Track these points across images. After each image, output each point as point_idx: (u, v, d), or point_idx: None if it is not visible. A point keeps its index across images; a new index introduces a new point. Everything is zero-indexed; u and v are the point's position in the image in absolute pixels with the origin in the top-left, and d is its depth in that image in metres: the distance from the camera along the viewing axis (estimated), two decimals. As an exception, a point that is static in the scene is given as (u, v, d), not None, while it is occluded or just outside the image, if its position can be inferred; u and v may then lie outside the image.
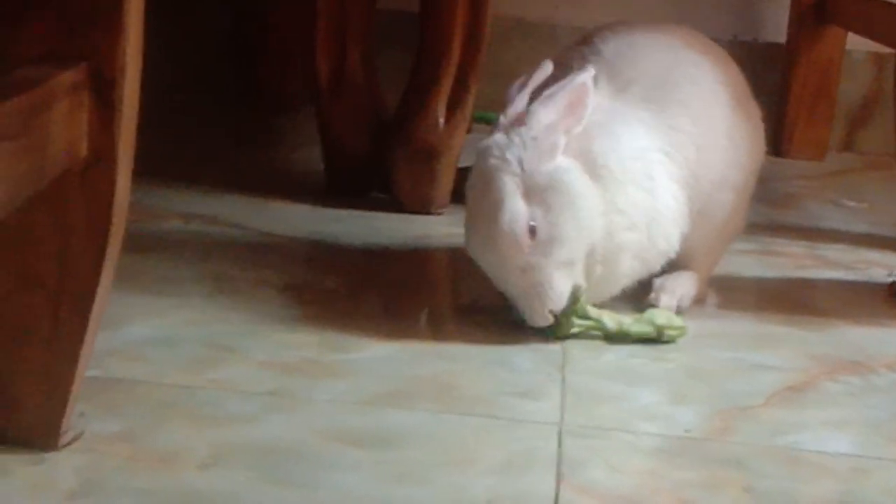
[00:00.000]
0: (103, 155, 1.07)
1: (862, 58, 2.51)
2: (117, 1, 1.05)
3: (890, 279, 1.77)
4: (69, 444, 1.13)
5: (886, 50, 2.40)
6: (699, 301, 1.61)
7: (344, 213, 1.90)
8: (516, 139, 1.44)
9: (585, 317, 1.47)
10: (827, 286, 1.78)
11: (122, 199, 1.10)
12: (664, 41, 1.59)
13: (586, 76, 1.45)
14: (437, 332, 1.50)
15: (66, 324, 1.09)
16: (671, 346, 1.49)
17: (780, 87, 2.46)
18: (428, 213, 1.91)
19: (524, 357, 1.42)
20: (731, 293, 1.69)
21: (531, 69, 1.51)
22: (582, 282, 1.45)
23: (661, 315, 1.50)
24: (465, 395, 1.32)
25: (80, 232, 1.08)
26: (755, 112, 1.63)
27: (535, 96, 1.47)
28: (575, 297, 1.44)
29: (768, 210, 2.07)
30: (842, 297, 1.73)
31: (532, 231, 1.42)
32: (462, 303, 1.56)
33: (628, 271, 1.51)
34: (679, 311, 1.54)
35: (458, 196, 1.86)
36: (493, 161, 1.44)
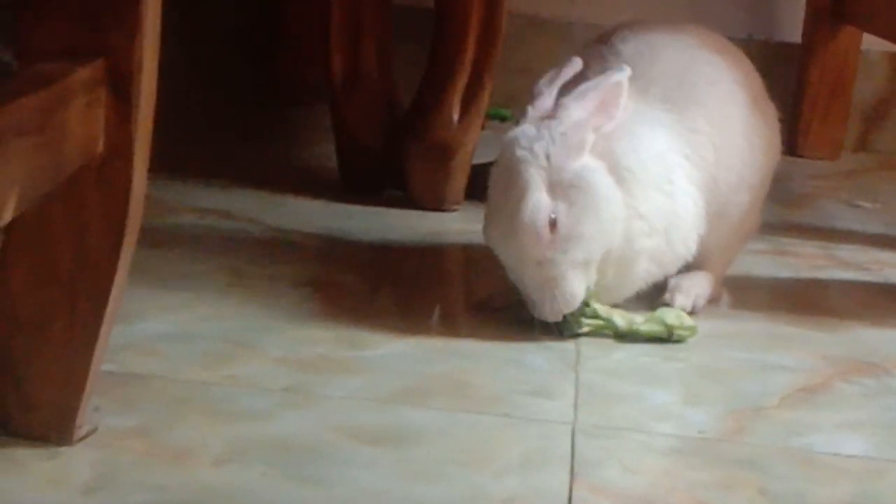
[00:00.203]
0: (120, 150, 1.07)
1: (877, 58, 2.50)
2: (135, -3, 1.05)
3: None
4: (84, 438, 1.14)
5: (902, 50, 2.40)
6: (714, 301, 1.60)
7: (358, 210, 1.90)
8: (545, 132, 1.44)
9: (596, 316, 1.47)
10: (841, 287, 1.78)
11: (139, 195, 1.10)
12: (682, 41, 1.58)
13: (622, 75, 1.44)
14: (451, 329, 1.50)
15: (82, 318, 1.10)
16: (685, 345, 1.49)
17: (794, 87, 2.45)
18: (442, 209, 1.91)
19: (538, 355, 1.42)
20: (744, 293, 1.69)
21: (559, 64, 1.50)
22: (592, 283, 1.45)
23: (672, 314, 1.50)
24: (479, 393, 1.32)
25: (96, 227, 1.08)
26: (771, 112, 1.63)
27: (561, 93, 1.46)
28: (584, 297, 1.44)
29: (782, 210, 2.06)
30: (856, 298, 1.73)
31: (553, 225, 1.41)
32: (476, 300, 1.56)
33: (644, 275, 1.51)
34: (693, 312, 1.54)
35: (472, 193, 1.87)
36: (519, 152, 1.44)
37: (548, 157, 1.43)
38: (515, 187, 1.43)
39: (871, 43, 2.41)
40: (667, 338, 1.49)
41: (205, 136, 2.25)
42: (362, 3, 1.92)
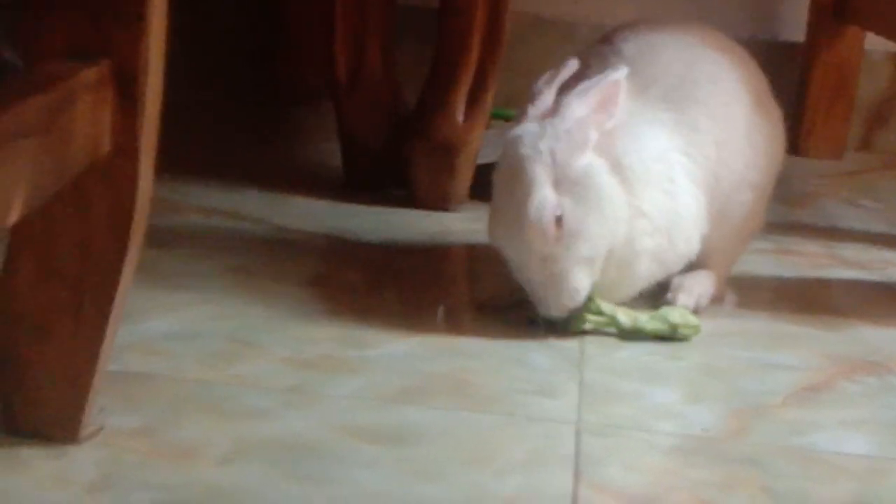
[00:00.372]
0: (126, 150, 1.08)
1: (881, 58, 2.50)
2: (140, -3, 1.05)
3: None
4: (89, 438, 1.14)
5: (905, 50, 2.40)
6: (717, 300, 1.61)
7: (361, 209, 1.90)
8: (549, 129, 1.44)
9: (599, 313, 1.47)
10: (844, 286, 1.78)
11: (145, 195, 1.10)
12: (684, 40, 1.59)
13: (619, 73, 1.45)
14: (454, 328, 1.50)
15: (88, 318, 1.10)
16: (688, 344, 1.49)
17: (797, 86, 2.45)
18: (446, 209, 1.91)
19: (541, 354, 1.43)
20: (747, 292, 1.69)
21: (557, 65, 1.51)
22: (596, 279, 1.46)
23: (676, 313, 1.50)
24: (482, 392, 1.32)
25: (102, 227, 1.08)
26: (775, 112, 1.63)
27: (560, 93, 1.47)
28: (588, 295, 1.45)
29: (785, 209, 2.06)
30: (859, 297, 1.73)
31: (559, 221, 1.42)
32: (479, 299, 1.57)
33: (646, 274, 1.51)
34: (697, 311, 1.54)
35: (475, 192, 1.87)
36: (524, 150, 1.44)
37: (552, 155, 1.43)
38: (521, 184, 1.43)
39: (875, 43, 2.41)
40: (671, 336, 1.49)
41: (208, 136, 2.25)
42: (367, 3, 1.92)
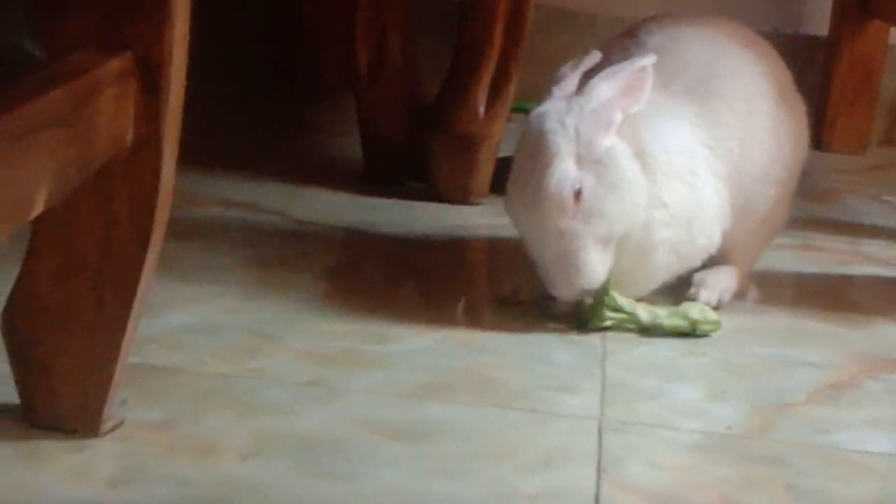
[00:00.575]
0: (149, 142, 1.07)
1: (904, 53, 2.49)
2: (163, -11, 1.05)
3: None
4: (110, 431, 1.14)
5: (929, 45, 2.39)
6: (739, 296, 1.60)
7: (382, 202, 1.90)
8: (576, 107, 1.43)
9: (619, 309, 1.46)
10: (867, 282, 1.77)
11: (167, 186, 1.10)
12: (708, 34, 1.58)
13: (647, 60, 1.44)
14: (475, 323, 1.50)
15: (110, 310, 1.10)
16: (708, 340, 1.48)
17: (821, 81, 2.44)
18: (466, 202, 1.91)
19: (563, 350, 1.42)
20: (769, 288, 1.68)
21: (579, 56, 1.50)
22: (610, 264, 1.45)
23: (696, 309, 1.50)
24: (503, 388, 1.32)
25: (124, 219, 1.08)
26: (799, 106, 1.62)
27: (583, 83, 1.46)
28: (605, 287, 1.44)
29: (808, 204, 2.05)
30: (882, 294, 1.72)
31: (577, 195, 1.41)
32: (500, 294, 1.56)
33: (664, 266, 1.50)
34: (719, 307, 1.53)
35: (496, 186, 1.87)
36: (549, 124, 1.43)
37: (577, 131, 1.42)
38: (543, 156, 1.42)
39: (899, 37, 2.40)
40: (690, 332, 1.48)
41: (229, 128, 2.25)
42: (388, -4, 1.92)
